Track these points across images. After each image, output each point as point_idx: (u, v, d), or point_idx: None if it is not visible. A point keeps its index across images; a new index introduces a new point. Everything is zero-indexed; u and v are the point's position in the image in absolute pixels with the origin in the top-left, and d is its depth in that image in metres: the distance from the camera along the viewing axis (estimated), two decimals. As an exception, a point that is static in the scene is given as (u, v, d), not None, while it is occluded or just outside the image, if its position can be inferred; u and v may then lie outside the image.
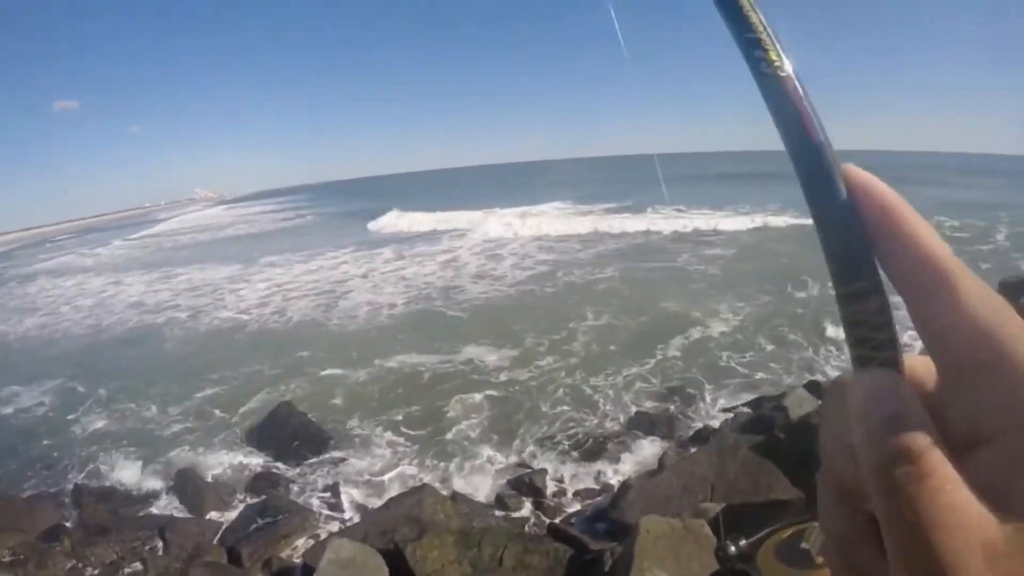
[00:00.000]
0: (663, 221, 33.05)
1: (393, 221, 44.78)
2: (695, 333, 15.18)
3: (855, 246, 0.31)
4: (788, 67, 0.35)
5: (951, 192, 44.97)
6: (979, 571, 0.24)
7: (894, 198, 0.32)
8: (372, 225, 44.27)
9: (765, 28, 0.36)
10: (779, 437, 7.41)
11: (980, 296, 0.28)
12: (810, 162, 0.32)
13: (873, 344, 0.30)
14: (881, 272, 0.30)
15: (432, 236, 36.64)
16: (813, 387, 9.13)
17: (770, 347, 14.13)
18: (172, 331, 19.50)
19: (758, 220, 32.58)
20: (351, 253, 32.70)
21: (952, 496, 0.25)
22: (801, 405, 7.89)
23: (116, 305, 24.57)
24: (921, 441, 0.26)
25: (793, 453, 6.95)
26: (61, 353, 18.09)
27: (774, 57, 0.35)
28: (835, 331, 14.35)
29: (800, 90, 0.34)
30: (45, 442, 11.63)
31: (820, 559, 0.45)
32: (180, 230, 64.39)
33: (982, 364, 0.27)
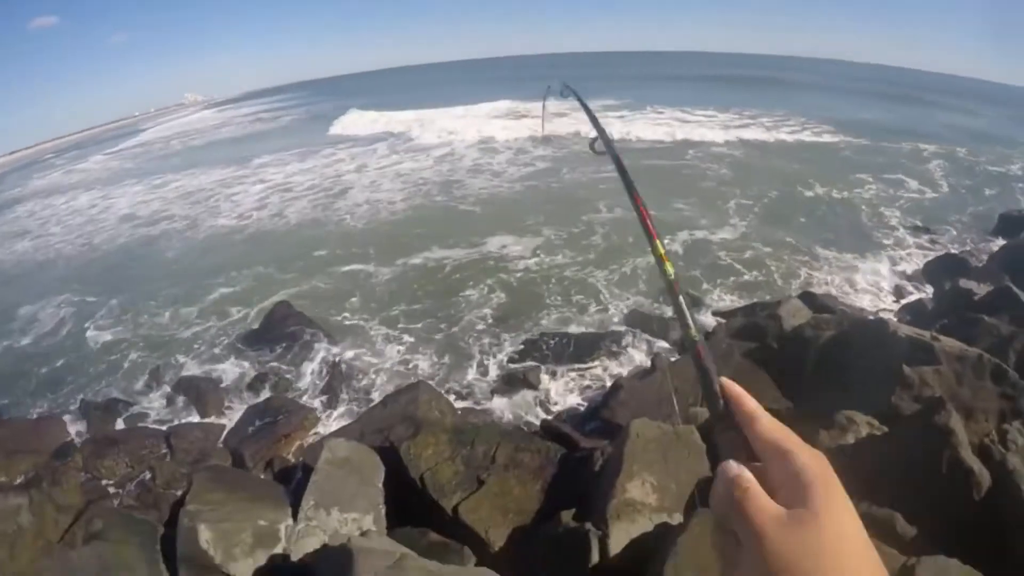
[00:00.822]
0: (664, 123, 31.74)
1: (370, 120, 42.67)
2: (699, 233, 15.14)
3: (727, 414, 0.66)
4: (699, 335, 0.70)
5: (968, 119, 42.38)
6: (774, 527, 0.54)
7: (738, 392, 0.66)
8: (333, 128, 41.97)
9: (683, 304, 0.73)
10: (772, 346, 7.32)
11: (770, 425, 0.62)
12: (708, 387, 0.67)
13: (730, 446, 0.64)
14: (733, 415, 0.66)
15: (418, 134, 35.22)
16: (807, 297, 8.95)
17: (767, 249, 14.06)
18: (169, 242, 19.14)
19: (769, 130, 31.24)
20: (346, 150, 31.87)
21: (758, 497, 0.57)
22: (795, 315, 7.70)
23: (109, 220, 23.83)
24: (744, 476, 0.59)
25: (785, 363, 6.87)
26: (59, 275, 17.63)
27: (694, 331, 0.70)
28: (825, 251, 14.13)
29: (705, 350, 0.68)
30: (48, 362, 11.68)
31: None
32: (169, 136, 61.65)
33: (772, 454, 0.60)
